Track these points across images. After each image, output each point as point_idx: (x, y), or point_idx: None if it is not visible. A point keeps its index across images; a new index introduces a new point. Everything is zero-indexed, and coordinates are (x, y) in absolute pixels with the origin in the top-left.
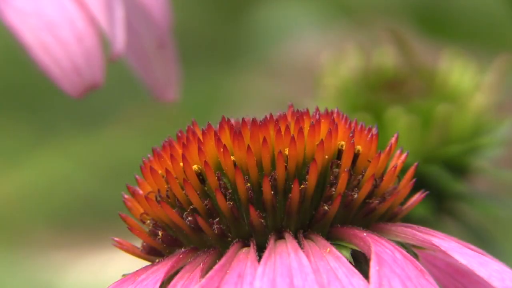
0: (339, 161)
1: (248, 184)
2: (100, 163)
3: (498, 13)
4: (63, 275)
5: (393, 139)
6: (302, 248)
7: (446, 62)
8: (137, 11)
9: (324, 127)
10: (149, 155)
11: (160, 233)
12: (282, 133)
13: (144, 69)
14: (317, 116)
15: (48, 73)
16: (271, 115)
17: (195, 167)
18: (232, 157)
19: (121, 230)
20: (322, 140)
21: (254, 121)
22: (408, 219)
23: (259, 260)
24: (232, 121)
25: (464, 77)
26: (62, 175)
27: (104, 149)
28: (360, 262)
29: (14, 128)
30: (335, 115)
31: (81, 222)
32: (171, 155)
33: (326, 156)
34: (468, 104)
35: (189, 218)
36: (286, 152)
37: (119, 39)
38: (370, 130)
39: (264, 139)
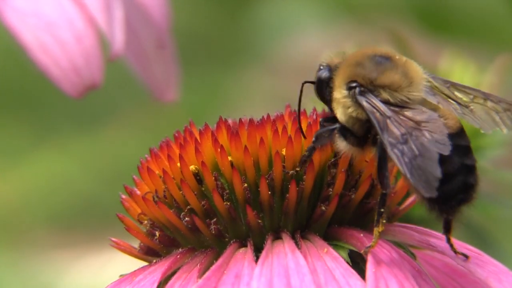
0: (336, 161)
1: (245, 185)
2: (100, 163)
3: (499, 12)
4: (62, 275)
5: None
6: (299, 249)
7: (447, 62)
8: (136, 11)
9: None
10: (146, 155)
11: (157, 233)
12: (279, 133)
13: (144, 69)
14: (314, 117)
15: (47, 73)
16: (268, 115)
17: (192, 167)
18: (229, 158)
19: (121, 230)
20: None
21: (251, 121)
22: (407, 219)
23: (256, 261)
24: (230, 121)
25: (465, 77)
26: (62, 175)
27: (104, 149)
28: (358, 262)
29: (14, 128)
30: None
31: (81, 222)
32: (168, 156)
33: (324, 157)
34: None
35: (186, 218)
36: (284, 152)
37: (118, 39)
38: None
39: (261, 140)
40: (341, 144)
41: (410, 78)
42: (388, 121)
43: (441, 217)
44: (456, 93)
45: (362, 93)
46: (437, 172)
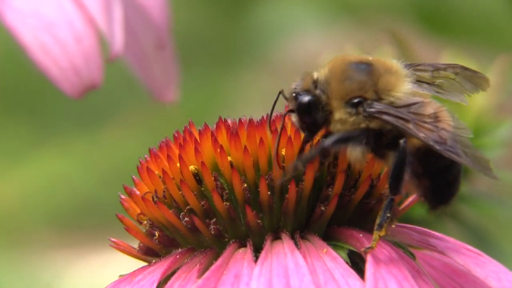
0: (335, 162)
1: (245, 185)
2: (100, 163)
3: (499, 12)
4: (62, 275)
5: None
6: (298, 249)
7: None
8: (136, 11)
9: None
10: (146, 156)
11: (157, 233)
12: (279, 133)
13: (143, 70)
14: None
15: (47, 73)
16: (268, 116)
17: (191, 167)
18: (228, 158)
19: (121, 230)
20: (318, 140)
21: (251, 121)
22: (408, 220)
23: (255, 261)
24: (229, 121)
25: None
26: (62, 175)
27: (104, 149)
28: (357, 262)
29: (14, 128)
30: None
31: (81, 222)
32: (168, 156)
33: None
34: (468, 105)
35: (185, 218)
36: (283, 152)
37: (118, 39)
38: None
39: (261, 140)
40: (355, 154)
41: (396, 74)
42: (415, 124)
43: (437, 210)
44: (419, 74)
45: (371, 106)
46: (482, 154)
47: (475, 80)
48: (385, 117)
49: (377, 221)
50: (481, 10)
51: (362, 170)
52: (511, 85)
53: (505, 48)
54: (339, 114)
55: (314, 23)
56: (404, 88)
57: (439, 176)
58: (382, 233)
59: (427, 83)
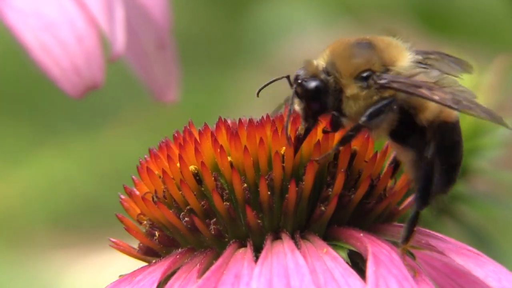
0: (335, 162)
1: (245, 185)
2: (100, 164)
3: (499, 12)
4: (62, 275)
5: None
6: (299, 249)
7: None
8: (137, 11)
9: (320, 128)
10: (146, 156)
11: (157, 233)
12: (279, 133)
13: (144, 70)
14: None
15: (48, 73)
16: (267, 116)
17: (191, 167)
18: (228, 158)
19: (121, 230)
20: (318, 140)
21: (251, 121)
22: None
23: (256, 261)
24: (229, 121)
25: (464, 77)
26: (62, 175)
27: (104, 149)
28: (357, 262)
29: (14, 128)
30: None
31: (81, 223)
32: (168, 156)
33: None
34: None
35: (186, 218)
36: (283, 152)
37: (119, 39)
38: None
39: (261, 140)
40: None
41: (397, 47)
42: (428, 88)
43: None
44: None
45: (380, 78)
46: (492, 109)
47: (460, 64)
48: (397, 85)
49: (403, 234)
50: (481, 10)
51: (362, 170)
52: (510, 84)
53: (504, 48)
54: (351, 90)
55: (314, 23)
56: (408, 59)
57: (449, 156)
58: (408, 246)
59: (422, 63)
